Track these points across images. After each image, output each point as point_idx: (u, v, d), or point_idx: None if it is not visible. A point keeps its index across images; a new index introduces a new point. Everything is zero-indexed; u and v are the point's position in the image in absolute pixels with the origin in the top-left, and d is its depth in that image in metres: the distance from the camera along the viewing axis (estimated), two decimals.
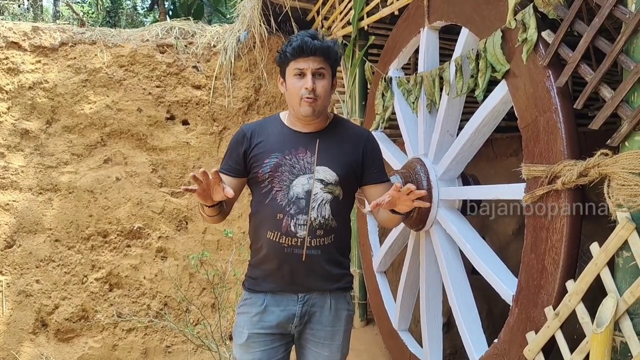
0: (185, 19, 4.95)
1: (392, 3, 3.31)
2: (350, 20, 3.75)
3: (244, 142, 1.97)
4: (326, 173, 1.92)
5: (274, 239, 1.91)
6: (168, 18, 8.78)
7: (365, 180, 2.04)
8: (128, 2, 11.69)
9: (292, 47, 1.87)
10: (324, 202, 1.92)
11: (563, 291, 1.89)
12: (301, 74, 1.88)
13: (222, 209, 1.95)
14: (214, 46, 4.64)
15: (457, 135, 2.65)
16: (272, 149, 1.94)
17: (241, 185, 2.03)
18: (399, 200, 1.79)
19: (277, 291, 1.96)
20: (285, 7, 4.26)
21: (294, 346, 2.07)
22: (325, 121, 2.00)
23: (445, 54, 3.16)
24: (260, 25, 4.49)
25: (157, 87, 4.45)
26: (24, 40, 4.26)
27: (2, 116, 4.11)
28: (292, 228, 1.89)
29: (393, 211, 1.90)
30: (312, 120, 1.95)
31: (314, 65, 1.87)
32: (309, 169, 1.92)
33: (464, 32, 2.53)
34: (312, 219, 1.89)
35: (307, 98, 1.87)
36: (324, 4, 4.21)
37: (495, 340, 2.26)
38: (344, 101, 4.07)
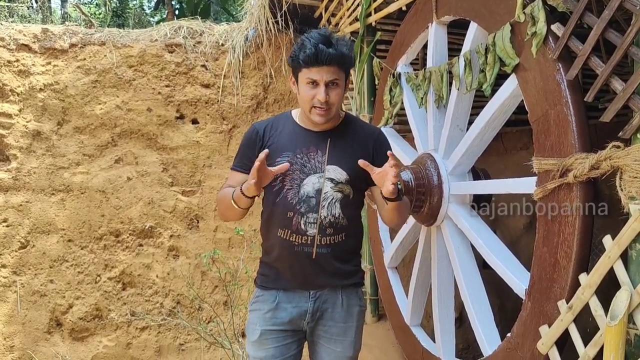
0: (192, 18, 4.97)
1: None
2: (358, 17, 3.74)
3: (257, 141, 1.96)
4: (336, 172, 1.92)
5: (284, 237, 1.92)
6: (176, 17, 8.80)
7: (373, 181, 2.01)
8: (135, 2, 11.74)
9: (306, 54, 1.80)
10: (334, 200, 1.91)
11: (576, 284, 1.88)
12: (314, 83, 1.84)
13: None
14: (222, 45, 4.65)
15: (467, 129, 2.64)
16: (283, 148, 1.93)
17: None
18: (385, 177, 1.74)
19: (289, 288, 1.97)
20: (288, 3, 4.25)
21: (306, 342, 2.07)
22: (337, 120, 1.98)
23: (454, 49, 3.15)
24: (267, 23, 4.49)
25: (167, 86, 4.47)
26: (34, 42, 4.30)
27: (14, 118, 4.14)
28: (302, 226, 1.90)
29: (385, 199, 1.84)
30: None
31: (328, 76, 1.82)
32: (320, 168, 1.91)
33: (473, 27, 2.53)
34: (322, 217, 1.89)
35: (320, 108, 1.85)
36: (331, 0, 4.20)
37: (508, 335, 2.26)
38: (352, 97, 4.07)
